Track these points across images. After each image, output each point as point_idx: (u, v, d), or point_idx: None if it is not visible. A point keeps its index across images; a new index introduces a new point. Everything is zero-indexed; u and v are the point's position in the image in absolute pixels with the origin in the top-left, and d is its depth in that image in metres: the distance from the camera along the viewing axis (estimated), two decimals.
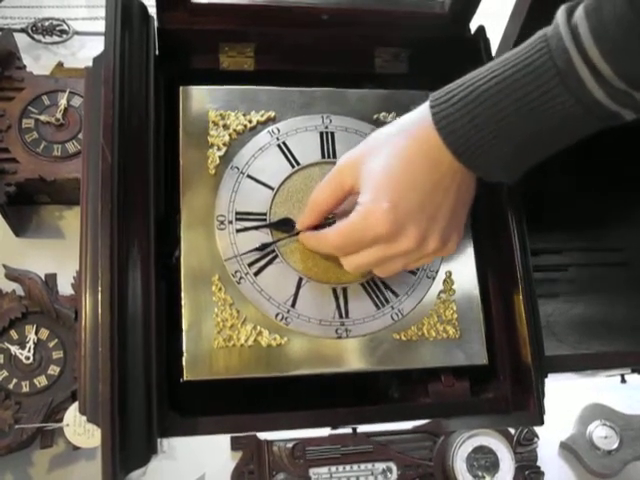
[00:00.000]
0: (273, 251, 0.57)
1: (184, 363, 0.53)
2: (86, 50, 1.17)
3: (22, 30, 1.13)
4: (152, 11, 0.60)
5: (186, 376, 0.53)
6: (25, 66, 1.03)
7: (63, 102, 1.00)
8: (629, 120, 0.47)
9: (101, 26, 1.07)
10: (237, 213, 0.57)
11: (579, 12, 0.44)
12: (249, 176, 0.59)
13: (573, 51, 0.44)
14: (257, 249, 0.57)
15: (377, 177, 0.51)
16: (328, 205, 0.55)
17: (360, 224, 0.52)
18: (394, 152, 0.51)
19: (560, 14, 0.45)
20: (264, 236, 0.57)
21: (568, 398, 1.10)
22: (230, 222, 0.57)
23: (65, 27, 1.15)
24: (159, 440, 0.50)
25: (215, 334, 0.54)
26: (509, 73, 0.46)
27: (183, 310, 0.54)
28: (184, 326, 0.54)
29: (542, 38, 0.46)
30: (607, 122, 0.46)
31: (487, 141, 0.48)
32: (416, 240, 0.51)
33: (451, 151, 0.49)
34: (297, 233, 0.57)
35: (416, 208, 0.50)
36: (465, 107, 0.48)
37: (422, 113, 0.50)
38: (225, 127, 0.60)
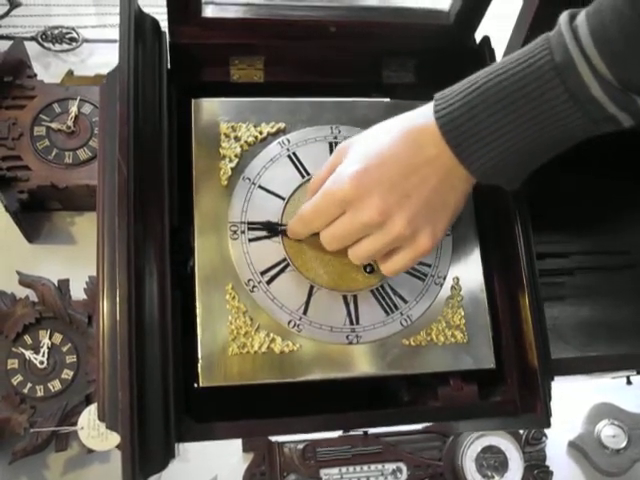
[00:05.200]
0: (285, 260, 0.58)
1: (199, 370, 0.54)
2: (95, 57, 1.17)
3: (32, 38, 1.14)
4: (164, 24, 0.61)
5: (202, 382, 0.54)
6: (36, 74, 1.05)
7: (74, 109, 1.02)
8: (626, 127, 0.47)
9: (110, 34, 1.09)
10: (249, 223, 0.59)
11: (581, 16, 0.45)
12: (260, 187, 0.60)
13: (573, 47, 0.45)
14: (262, 225, 0.58)
15: (359, 149, 0.53)
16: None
17: (329, 187, 0.53)
18: (385, 135, 0.53)
19: (563, 17, 0.47)
20: (276, 244, 0.58)
21: (576, 398, 1.11)
22: (243, 232, 0.58)
23: (74, 35, 1.16)
24: (176, 445, 0.52)
25: (229, 341, 0.55)
26: (509, 67, 0.48)
27: (198, 318, 0.55)
28: (199, 334, 0.55)
29: (544, 38, 0.47)
30: (602, 126, 0.47)
31: (483, 135, 0.49)
32: (379, 211, 0.51)
33: (445, 140, 0.50)
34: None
35: (387, 180, 0.51)
36: (464, 98, 0.49)
37: (427, 107, 0.52)
38: (236, 139, 0.61)
